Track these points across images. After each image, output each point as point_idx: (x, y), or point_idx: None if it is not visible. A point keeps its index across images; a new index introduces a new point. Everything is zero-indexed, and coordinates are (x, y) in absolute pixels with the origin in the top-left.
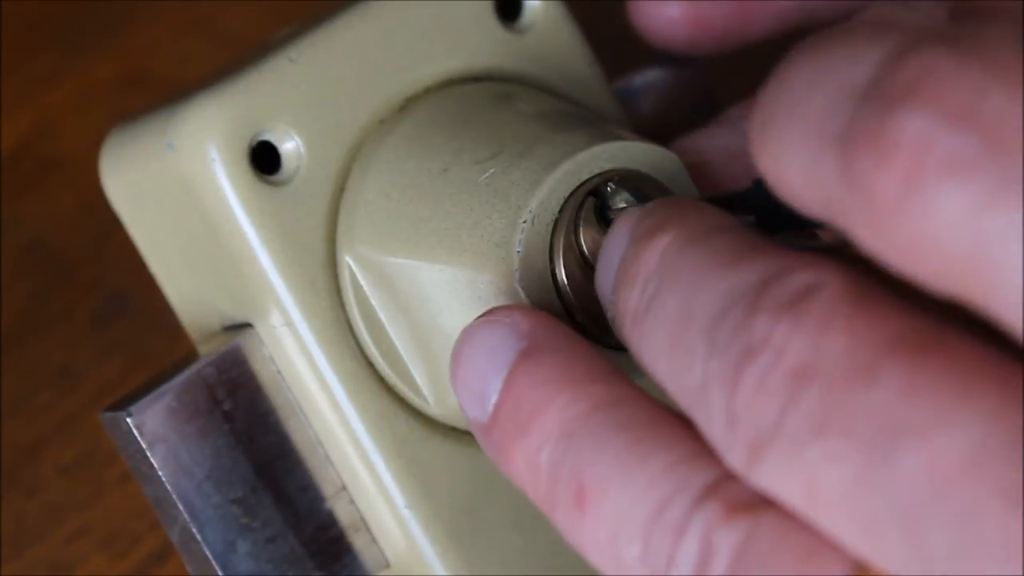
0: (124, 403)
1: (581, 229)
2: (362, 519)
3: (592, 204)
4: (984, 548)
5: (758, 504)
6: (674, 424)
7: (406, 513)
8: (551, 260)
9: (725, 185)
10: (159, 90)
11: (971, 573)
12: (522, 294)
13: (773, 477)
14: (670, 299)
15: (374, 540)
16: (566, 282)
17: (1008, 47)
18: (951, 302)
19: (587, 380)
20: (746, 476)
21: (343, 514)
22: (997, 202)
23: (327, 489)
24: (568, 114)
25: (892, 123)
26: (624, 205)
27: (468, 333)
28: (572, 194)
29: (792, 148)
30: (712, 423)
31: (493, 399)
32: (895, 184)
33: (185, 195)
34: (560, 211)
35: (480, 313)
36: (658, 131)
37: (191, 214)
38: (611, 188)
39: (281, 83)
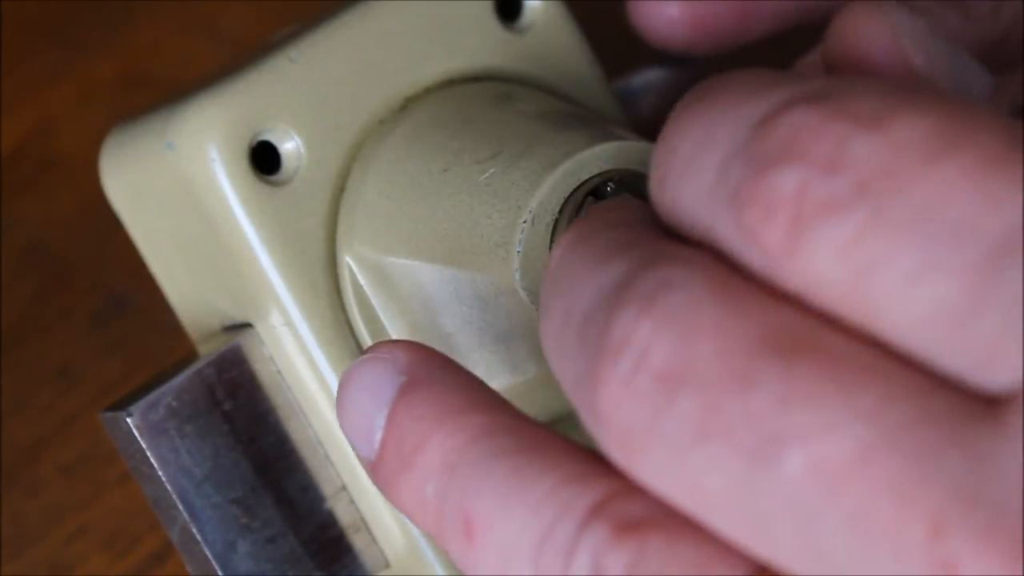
0: (124, 403)
1: None
2: (362, 519)
3: (592, 204)
4: (878, 544)
5: (646, 521)
6: (556, 446)
7: None
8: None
9: None
10: (159, 90)
11: (869, 570)
12: (522, 294)
13: (656, 480)
14: (556, 300)
15: (374, 540)
16: None
17: (868, 97)
18: None
19: (466, 411)
20: (629, 474)
21: (343, 514)
22: (866, 236)
23: (327, 489)
24: (568, 114)
25: (769, 181)
26: None
27: (350, 372)
28: (572, 194)
29: (690, 209)
30: (586, 419)
31: (378, 436)
32: (781, 235)
33: (185, 195)
34: (560, 211)
35: (480, 313)
36: (658, 131)
37: (191, 214)
38: (611, 188)
39: (281, 83)
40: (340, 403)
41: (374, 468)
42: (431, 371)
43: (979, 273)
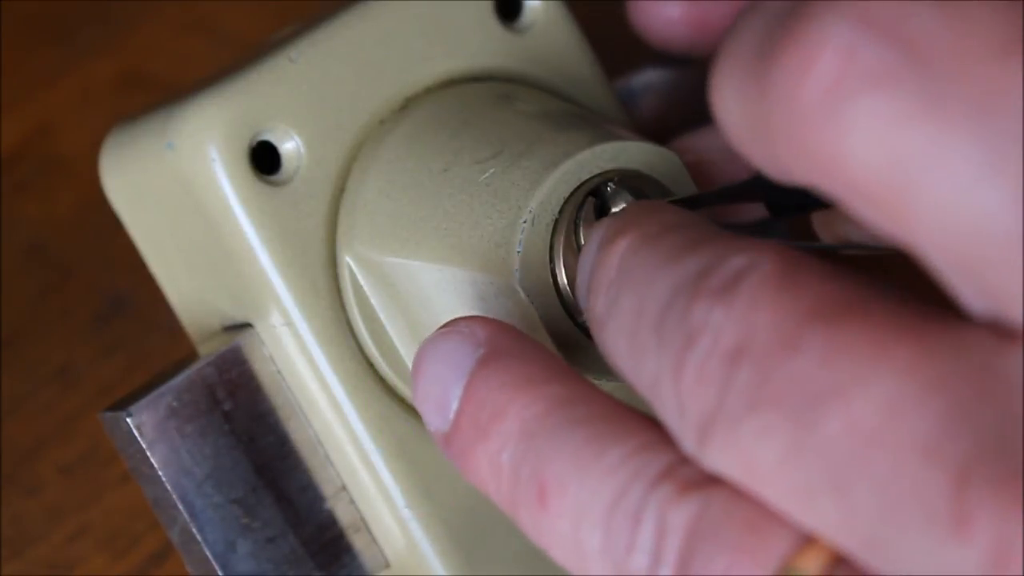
0: (124, 403)
1: (581, 229)
2: (362, 519)
3: (592, 204)
4: (906, 505)
5: (709, 482)
6: (630, 417)
7: (406, 513)
8: (551, 260)
9: (723, 184)
10: (159, 90)
11: (897, 532)
12: (522, 294)
13: (718, 457)
14: (626, 300)
15: (374, 540)
16: (566, 282)
17: None
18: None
19: (544, 381)
20: (699, 460)
21: (343, 514)
22: (918, 119)
23: (327, 489)
24: (568, 114)
25: (814, 27)
26: (624, 206)
27: (427, 345)
28: (572, 194)
29: (728, 82)
30: (667, 415)
31: (454, 406)
32: (815, 92)
33: (185, 195)
34: (560, 211)
35: (480, 312)
36: (658, 131)
37: (191, 214)
38: (611, 188)
39: (281, 83)
40: (416, 374)
41: (447, 439)
42: (509, 343)
43: None
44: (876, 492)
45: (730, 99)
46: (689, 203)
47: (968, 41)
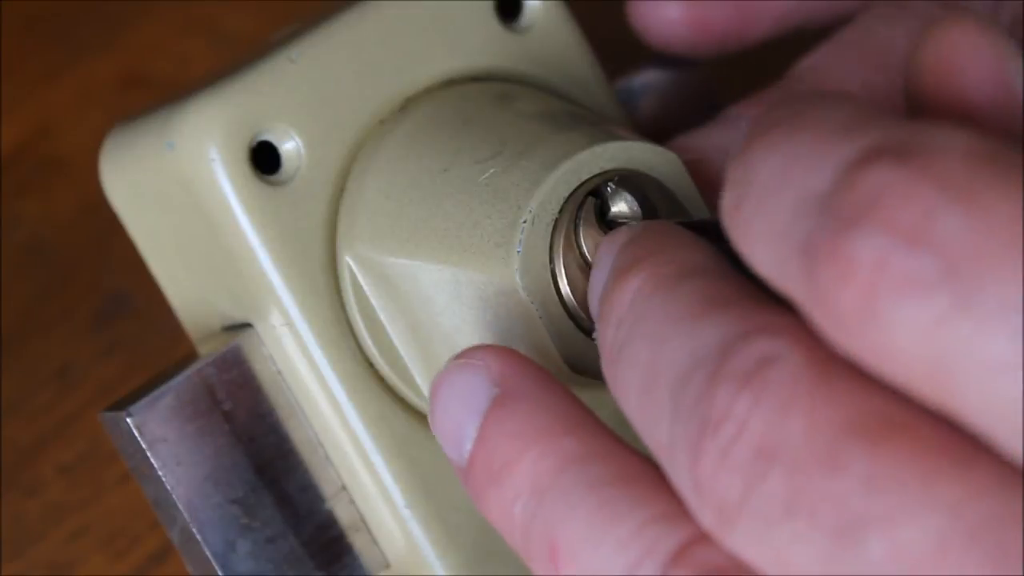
0: (124, 403)
1: (581, 229)
2: (362, 519)
3: (592, 204)
4: None
5: (729, 570)
6: (647, 480)
7: (406, 513)
8: (551, 260)
9: (723, 184)
10: (159, 90)
11: None
12: (522, 294)
13: (744, 547)
14: (638, 349)
15: (374, 540)
16: (566, 282)
17: (959, 160)
18: None
19: (558, 433)
20: (717, 539)
21: (343, 514)
22: (953, 319)
23: (327, 489)
24: (568, 114)
25: (848, 244)
26: (624, 206)
27: (444, 376)
28: (572, 194)
29: (760, 242)
30: (680, 485)
31: (468, 446)
32: (855, 301)
33: (185, 195)
34: (560, 211)
35: (480, 313)
36: (658, 131)
37: (191, 214)
38: (611, 188)
39: (281, 83)
40: (432, 405)
41: (464, 475)
42: (525, 385)
43: None
44: None
45: (763, 259)
46: (700, 227)
47: (990, 237)
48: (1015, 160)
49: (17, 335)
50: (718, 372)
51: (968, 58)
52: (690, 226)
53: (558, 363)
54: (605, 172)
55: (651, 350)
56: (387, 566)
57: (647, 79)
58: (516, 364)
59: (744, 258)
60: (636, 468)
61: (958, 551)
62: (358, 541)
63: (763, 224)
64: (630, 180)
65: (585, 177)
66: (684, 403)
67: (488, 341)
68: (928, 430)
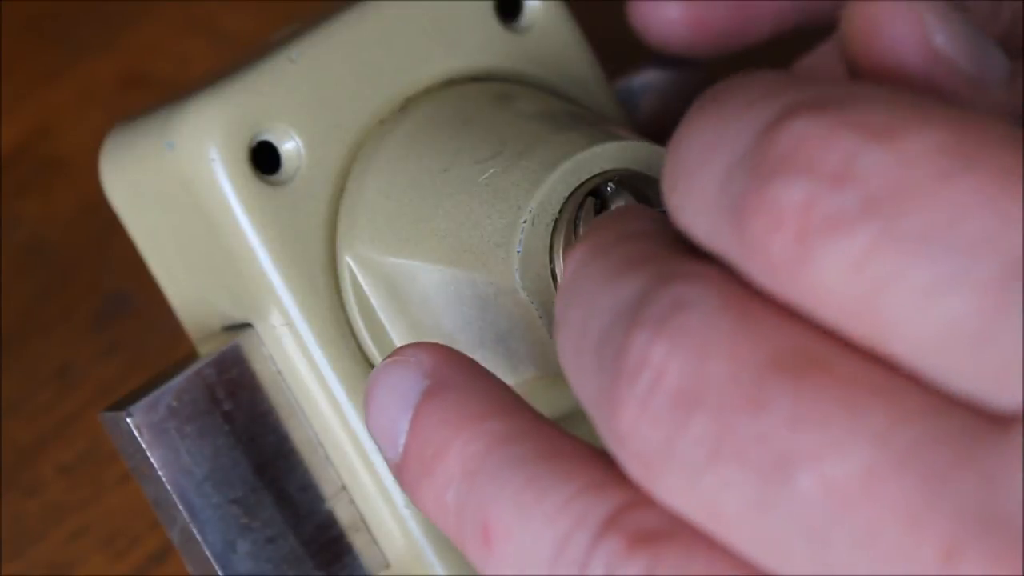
0: (124, 403)
1: (581, 229)
2: (362, 519)
3: (592, 204)
4: (889, 567)
5: (661, 532)
6: (576, 454)
7: (406, 513)
8: (551, 260)
9: None
10: (159, 90)
11: None
12: (522, 294)
13: (673, 498)
14: (572, 314)
15: (374, 540)
16: None
17: (877, 107)
18: None
19: (485, 416)
20: (647, 492)
21: (343, 514)
22: (877, 251)
23: (327, 489)
24: (568, 114)
25: (773, 192)
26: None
27: (376, 374)
28: (572, 194)
29: (696, 214)
30: (607, 439)
31: (402, 440)
32: (784, 247)
33: (185, 195)
34: (560, 211)
35: (480, 313)
36: (658, 131)
37: (191, 214)
38: (611, 188)
39: (281, 83)
40: (367, 404)
41: (398, 471)
42: (454, 375)
43: (993, 292)
44: (858, 550)
45: (700, 229)
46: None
47: (911, 171)
48: (932, 103)
49: (17, 335)
50: (633, 320)
51: (888, 24)
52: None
53: (558, 363)
54: (605, 172)
55: (581, 311)
56: (387, 566)
57: (647, 79)
58: (446, 356)
59: (685, 233)
60: (564, 444)
61: (887, 479)
62: (358, 541)
63: (697, 198)
64: (630, 180)
65: (585, 177)
66: (605, 357)
67: (488, 341)
68: (851, 364)
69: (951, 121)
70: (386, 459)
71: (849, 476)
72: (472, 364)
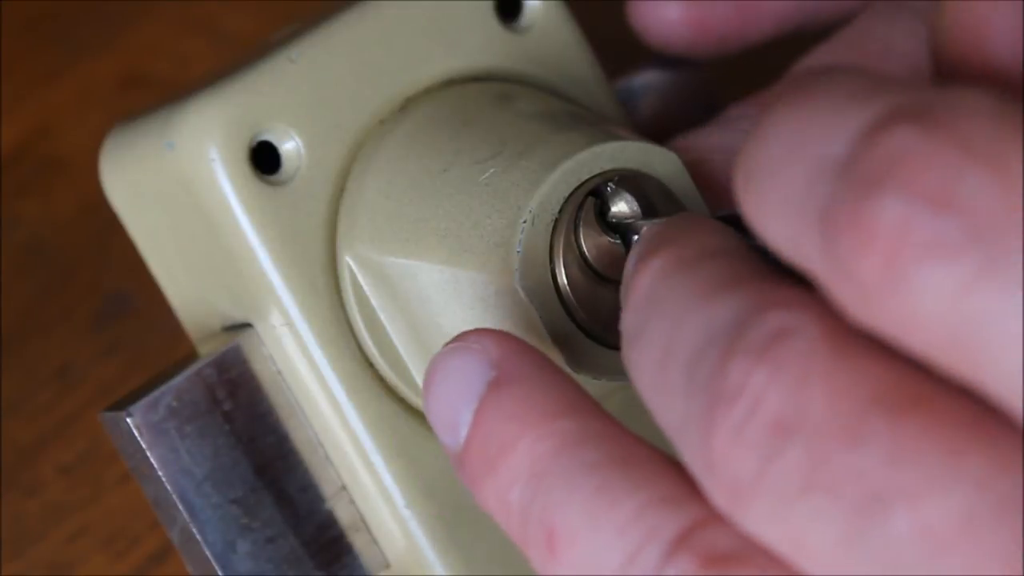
0: (124, 403)
1: (581, 229)
2: (362, 519)
3: (592, 204)
4: None
5: (735, 556)
6: (647, 462)
7: (406, 513)
8: (551, 260)
9: (723, 184)
10: (159, 90)
11: None
12: (522, 294)
13: (759, 527)
14: (655, 329)
15: (374, 540)
16: (566, 282)
17: (983, 122)
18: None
19: (556, 415)
20: (730, 519)
21: (343, 514)
22: (980, 284)
23: (327, 489)
24: (568, 114)
25: (869, 209)
26: (624, 206)
27: (439, 360)
28: (572, 194)
29: (774, 215)
30: (694, 465)
31: (464, 431)
32: (876, 268)
33: (185, 195)
34: (560, 211)
35: (480, 313)
36: (658, 131)
37: (191, 214)
38: (611, 188)
39: (281, 83)
40: (427, 391)
41: (459, 461)
42: (523, 367)
43: None
44: None
45: (778, 232)
46: (724, 221)
47: (1014, 199)
48: None
49: (17, 335)
50: (732, 346)
51: (989, 23)
52: (721, 219)
53: (558, 363)
54: (605, 172)
55: (667, 329)
56: (387, 566)
57: (647, 79)
58: (514, 347)
59: (759, 235)
60: (638, 451)
61: (986, 526)
62: (358, 541)
63: (776, 196)
64: (630, 180)
65: (585, 177)
66: (697, 380)
67: None
68: (951, 403)
69: None
70: (445, 447)
71: (947, 519)
72: (541, 356)
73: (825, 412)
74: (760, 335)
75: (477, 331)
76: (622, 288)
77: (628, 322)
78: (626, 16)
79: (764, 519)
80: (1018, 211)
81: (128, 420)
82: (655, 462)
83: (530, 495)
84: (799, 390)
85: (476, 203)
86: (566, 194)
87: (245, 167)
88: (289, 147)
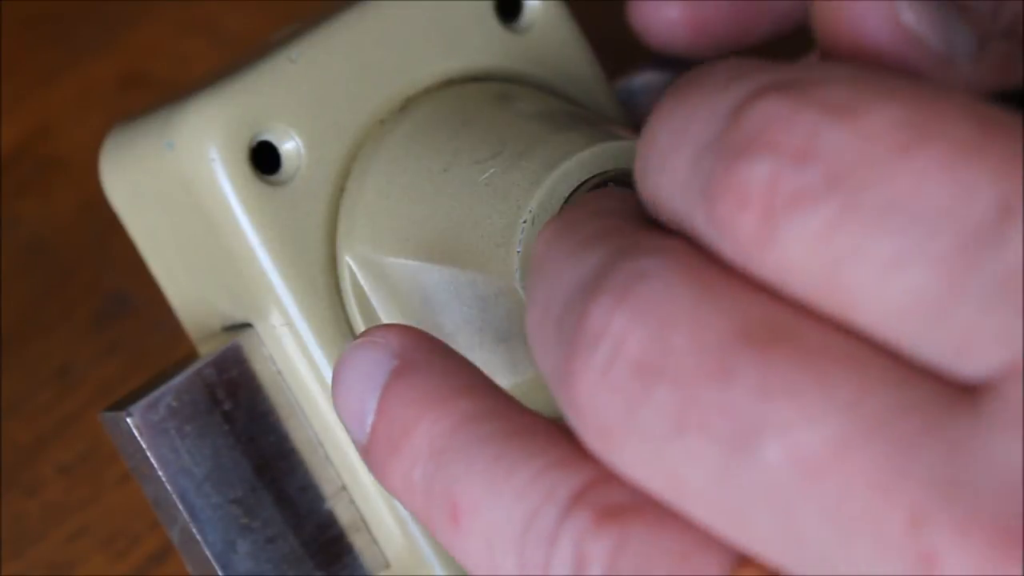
0: (124, 403)
1: None
2: (362, 519)
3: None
4: (857, 536)
5: (628, 508)
6: (541, 432)
7: (406, 513)
8: None
9: None
10: (159, 90)
11: (849, 558)
12: (522, 294)
13: (635, 470)
14: (538, 291)
15: (374, 540)
16: None
17: (839, 85)
18: None
19: (454, 396)
20: (608, 464)
21: (343, 514)
22: (841, 224)
23: (327, 489)
24: (568, 114)
25: (740, 172)
26: None
27: (345, 355)
28: (572, 194)
29: (668, 202)
30: (566, 412)
31: (369, 420)
32: (752, 225)
33: (185, 195)
34: (560, 211)
35: (480, 313)
36: None
37: (191, 214)
38: (611, 188)
39: (281, 83)
40: (335, 386)
41: (366, 451)
42: (422, 355)
43: (954, 262)
44: (825, 519)
45: (672, 214)
46: None
47: (872, 146)
48: (894, 79)
49: (17, 335)
50: (594, 292)
51: (856, 2)
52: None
53: None
54: (605, 172)
55: (546, 288)
56: (387, 566)
57: (647, 79)
58: (414, 337)
59: (661, 223)
60: (532, 422)
61: (857, 448)
62: (358, 541)
63: (668, 182)
64: (630, 180)
65: (585, 177)
66: (564, 328)
67: (488, 341)
68: (819, 335)
69: (911, 96)
70: (354, 441)
71: (818, 446)
72: (440, 345)
73: (690, 350)
74: (620, 277)
75: (381, 326)
76: None
77: (525, 292)
78: (626, 16)
79: (639, 463)
80: (872, 156)
81: (128, 420)
82: (550, 432)
83: (432, 472)
84: (662, 330)
85: (476, 203)
86: (566, 194)
87: (245, 167)
88: (289, 147)
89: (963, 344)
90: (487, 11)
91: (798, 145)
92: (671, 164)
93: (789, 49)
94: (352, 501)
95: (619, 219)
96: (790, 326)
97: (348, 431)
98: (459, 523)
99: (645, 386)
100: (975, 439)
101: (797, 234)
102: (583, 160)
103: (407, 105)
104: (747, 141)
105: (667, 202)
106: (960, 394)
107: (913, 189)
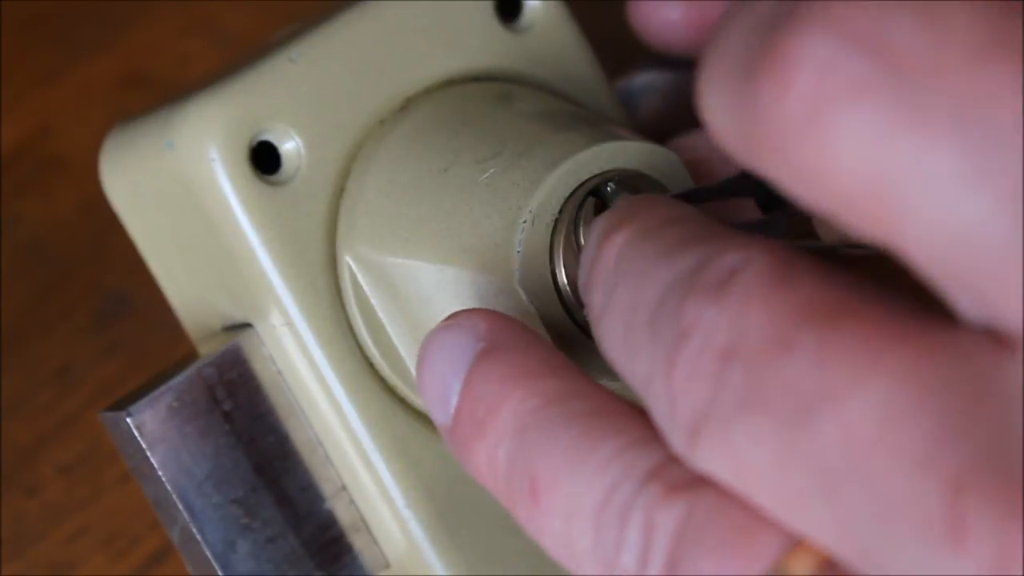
0: (124, 403)
1: (581, 229)
2: (362, 519)
3: (592, 204)
4: (900, 513)
5: (697, 483)
6: (624, 413)
7: (406, 513)
8: (551, 260)
9: None
10: (159, 90)
11: (891, 539)
12: (522, 294)
13: (707, 458)
14: (622, 295)
15: (374, 540)
16: (566, 282)
17: None
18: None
19: (539, 376)
20: (688, 460)
21: (343, 514)
22: (901, 128)
23: (327, 489)
24: (568, 114)
25: (794, 44)
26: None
27: (430, 338)
28: (572, 194)
29: (716, 91)
30: (659, 414)
31: (454, 401)
32: (797, 107)
33: (185, 195)
34: (560, 211)
35: None
36: (658, 131)
37: (191, 214)
38: (611, 188)
39: (281, 83)
40: (419, 369)
41: (449, 432)
42: (508, 336)
43: (1019, 202)
44: (869, 499)
45: (718, 108)
46: (685, 198)
47: (945, 47)
48: None
49: (17, 335)
50: (689, 288)
51: None
52: (698, 191)
53: None
54: (605, 172)
55: (631, 292)
56: (387, 566)
57: (647, 79)
58: (500, 319)
59: (709, 128)
60: (613, 403)
61: (904, 422)
62: (358, 541)
63: (716, 71)
64: (630, 180)
65: (585, 177)
66: (659, 327)
67: None
68: (877, 309)
69: (990, 2)
70: (437, 423)
71: (866, 418)
72: (524, 327)
73: (760, 332)
74: (714, 275)
75: (467, 310)
76: (580, 273)
77: (595, 300)
78: (626, 16)
79: (712, 449)
80: (946, 58)
81: (128, 420)
82: (630, 412)
83: (516, 449)
84: (740, 315)
85: (476, 203)
86: (566, 194)
87: (245, 167)
88: (289, 147)
89: (1011, 294)
90: (487, 11)
91: (863, 28)
92: (724, 48)
93: None
94: (352, 501)
95: (701, 225)
96: (853, 302)
97: (431, 413)
98: (539, 500)
99: (725, 370)
100: (1013, 400)
101: (846, 131)
102: (583, 160)
103: (407, 105)
104: (808, 14)
105: (718, 99)
106: (1001, 352)
107: (985, 103)
